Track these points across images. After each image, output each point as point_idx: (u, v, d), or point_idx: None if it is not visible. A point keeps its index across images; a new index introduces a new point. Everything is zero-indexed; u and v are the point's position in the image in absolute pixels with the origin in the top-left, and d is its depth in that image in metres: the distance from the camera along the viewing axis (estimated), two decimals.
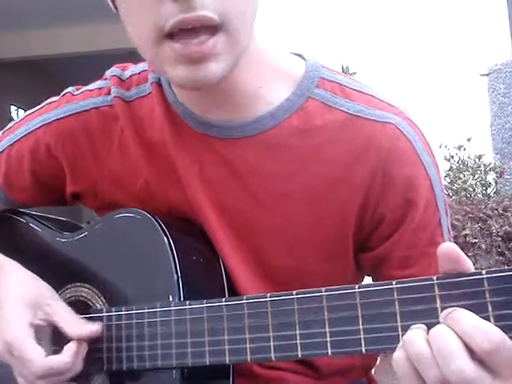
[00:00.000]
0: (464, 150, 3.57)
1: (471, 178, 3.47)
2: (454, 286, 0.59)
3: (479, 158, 3.53)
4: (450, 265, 0.59)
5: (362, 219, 0.85)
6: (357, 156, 0.83)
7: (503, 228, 3.01)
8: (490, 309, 0.57)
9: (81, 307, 0.87)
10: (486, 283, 0.57)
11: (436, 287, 0.60)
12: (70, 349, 0.81)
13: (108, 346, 0.84)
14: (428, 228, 0.85)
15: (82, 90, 0.94)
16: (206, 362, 0.74)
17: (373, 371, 1.01)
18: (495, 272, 0.57)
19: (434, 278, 0.60)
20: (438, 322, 0.58)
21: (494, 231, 3.01)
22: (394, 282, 0.62)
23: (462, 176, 3.48)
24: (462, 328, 0.56)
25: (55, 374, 0.80)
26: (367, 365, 0.99)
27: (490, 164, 3.53)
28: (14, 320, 0.82)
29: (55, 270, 0.94)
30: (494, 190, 3.49)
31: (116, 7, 0.76)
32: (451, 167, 3.54)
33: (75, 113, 0.91)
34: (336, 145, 0.83)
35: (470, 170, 3.49)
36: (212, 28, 0.68)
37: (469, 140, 3.57)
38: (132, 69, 0.93)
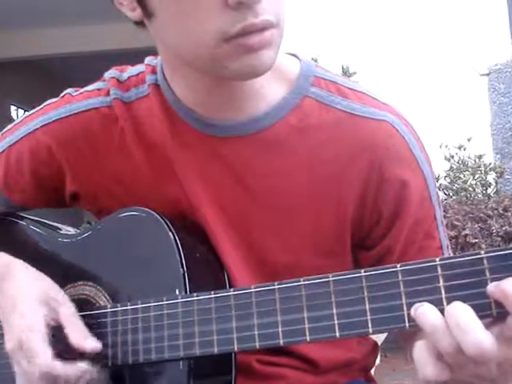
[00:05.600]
0: (464, 149, 3.57)
1: (471, 177, 3.48)
2: (455, 266, 0.63)
3: (479, 157, 3.54)
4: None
5: (361, 216, 0.86)
6: (353, 154, 0.85)
7: (503, 228, 3.02)
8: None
9: (83, 305, 0.87)
10: (485, 262, 0.61)
11: (439, 268, 0.63)
12: (79, 367, 0.81)
13: (113, 341, 0.84)
14: (424, 222, 0.87)
15: (81, 91, 0.95)
16: (214, 351, 0.75)
17: (372, 372, 1.01)
18: (493, 251, 0.61)
19: (437, 259, 0.64)
20: (441, 300, 0.62)
21: (494, 231, 3.01)
22: (398, 265, 0.65)
23: (462, 176, 3.49)
24: None
25: (54, 380, 0.80)
26: (366, 365, 0.99)
27: (490, 164, 3.53)
28: (30, 317, 0.83)
29: (57, 270, 0.93)
30: (494, 189, 3.50)
31: (146, 10, 0.78)
32: (451, 167, 3.54)
33: (75, 113, 0.92)
34: (332, 144, 0.85)
35: (470, 169, 3.49)
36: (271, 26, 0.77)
37: (469, 140, 3.58)
38: (130, 70, 0.94)
